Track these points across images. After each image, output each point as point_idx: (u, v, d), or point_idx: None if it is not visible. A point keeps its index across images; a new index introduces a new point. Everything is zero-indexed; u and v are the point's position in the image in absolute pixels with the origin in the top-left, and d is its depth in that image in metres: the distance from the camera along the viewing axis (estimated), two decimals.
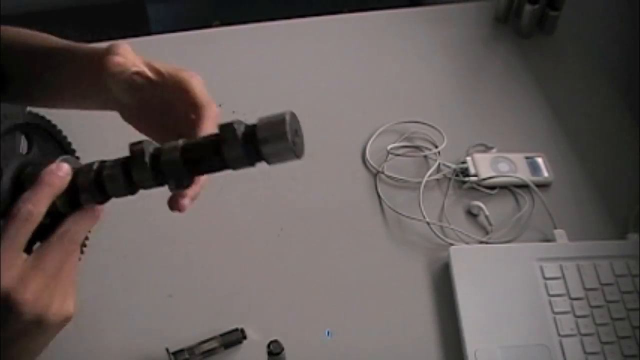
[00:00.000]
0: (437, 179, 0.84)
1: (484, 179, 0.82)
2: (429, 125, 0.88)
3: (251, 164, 0.48)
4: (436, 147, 0.87)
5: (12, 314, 0.44)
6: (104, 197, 0.50)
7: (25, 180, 0.50)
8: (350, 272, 0.76)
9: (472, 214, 0.81)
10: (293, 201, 0.82)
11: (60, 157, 0.49)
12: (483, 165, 0.83)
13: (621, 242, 0.77)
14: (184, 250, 0.77)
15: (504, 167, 0.84)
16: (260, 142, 0.47)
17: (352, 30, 1.05)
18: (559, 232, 0.78)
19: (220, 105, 0.92)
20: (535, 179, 0.83)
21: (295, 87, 0.96)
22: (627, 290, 0.72)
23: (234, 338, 0.69)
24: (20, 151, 0.53)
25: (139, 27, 1.55)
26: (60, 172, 0.49)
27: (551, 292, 0.72)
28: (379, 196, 0.83)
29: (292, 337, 0.67)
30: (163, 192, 0.53)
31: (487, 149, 0.87)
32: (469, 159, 0.84)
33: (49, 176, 0.48)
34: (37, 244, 0.48)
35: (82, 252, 0.54)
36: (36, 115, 0.55)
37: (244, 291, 0.74)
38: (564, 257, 0.74)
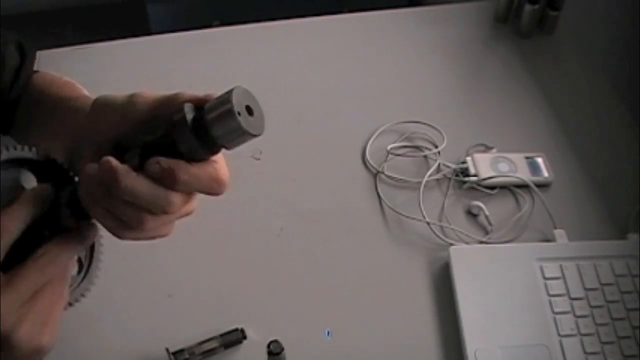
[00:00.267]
0: (437, 179, 0.84)
1: (484, 179, 0.82)
2: (429, 125, 0.88)
3: (210, 150, 0.45)
4: (436, 147, 0.87)
5: None
6: (80, 215, 0.48)
7: None
8: (350, 272, 0.76)
9: (472, 214, 0.81)
10: (293, 201, 0.82)
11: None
12: (483, 165, 0.83)
13: (621, 242, 0.77)
14: (184, 250, 0.77)
15: (504, 167, 0.84)
16: (209, 125, 0.44)
17: (352, 30, 1.05)
18: (559, 232, 0.78)
19: None
20: (535, 179, 0.83)
21: (295, 87, 0.96)
22: (627, 290, 0.72)
23: (234, 338, 0.69)
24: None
25: (139, 27, 1.56)
26: (44, 192, 0.48)
27: (551, 292, 0.72)
28: (379, 196, 0.83)
29: (292, 337, 0.67)
30: None
31: (487, 149, 0.87)
32: (469, 159, 0.84)
33: (32, 196, 0.48)
34: None
35: (83, 295, 0.53)
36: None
37: (244, 291, 0.74)
38: (564, 257, 0.74)
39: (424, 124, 0.89)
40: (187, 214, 0.51)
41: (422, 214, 0.79)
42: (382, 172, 0.84)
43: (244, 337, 0.69)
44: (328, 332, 0.71)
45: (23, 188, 0.50)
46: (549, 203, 0.80)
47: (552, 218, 0.79)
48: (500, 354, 0.67)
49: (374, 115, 0.91)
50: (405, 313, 0.73)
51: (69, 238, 0.48)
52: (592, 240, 0.77)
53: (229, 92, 0.43)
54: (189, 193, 0.48)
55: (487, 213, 0.80)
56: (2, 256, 0.45)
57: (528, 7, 1.01)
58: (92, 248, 0.56)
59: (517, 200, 0.83)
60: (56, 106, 0.62)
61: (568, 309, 0.71)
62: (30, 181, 0.51)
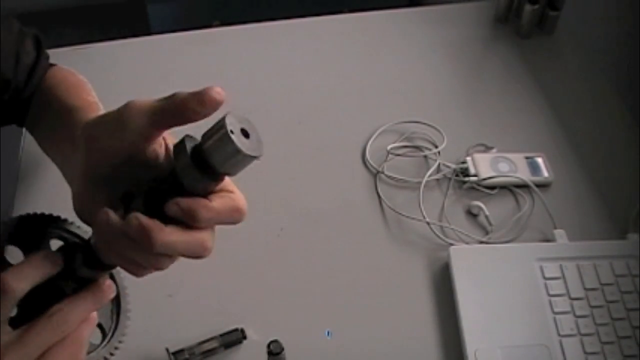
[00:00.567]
0: (437, 179, 0.84)
1: (484, 179, 0.82)
2: (429, 125, 0.88)
3: (213, 179, 0.45)
4: (436, 147, 0.87)
5: None
6: (96, 265, 0.48)
7: None
8: (350, 272, 0.76)
9: (472, 214, 0.81)
10: (293, 201, 0.82)
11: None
12: (483, 165, 0.83)
13: (621, 242, 0.77)
14: None
15: (504, 167, 0.84)
16: (208, 153, 0.43)
17: (352, 30, 1.05)
18: (559, 232, 0.78)
19: None
20: (535, 179, 0.83)
21: (296, 87, 0.96)
22: (627, 290, 0.72)
23: (234, 338, 0.69)
24: None
25: (139, 27, 1.56)
26: (58, 259, 0.48)
27: (551, 292, 0.72)
28: (379, 196, 0.83)
29: (292, 337, 0.67)
30: None
31: (487, 149, 0.87)
32: (469, 159, 0.84)
33: (42, 261, 0.47)
34: None
35: (112, 353, 0.52)
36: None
37: (244, 291, 0.74)
38: (564, 257, 0.74)
39: (424, 124, 0.89)
40: None
41: (422, 214, 0.79)
42: (382, 172, 0.84)
43: (244, 337, 0.69)
44: (328, 332, 0.71)
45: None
46: (549, 203, 0.80)
47: (552, 218, 0.79)
48: (500, 354, 0.67)
49: (374, 115, 0.91)
50: (405, 313, 0.73)
51: (84, 296, 0.48)
52: (592, 240, 0.77)
53: (223, 118, 0.43)
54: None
55: (487, 213, 0.80)
56: (4, 316, 0.44)
57: (528, 7, 1.01)
58: (118, 306, 0.56)
59: (517, 200, 0.83)
60: (60, 114, 0.61)
61: (568, 309, 0.71)
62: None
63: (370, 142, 0.88)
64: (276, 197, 0.83)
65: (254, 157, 0.43)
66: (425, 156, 0.87)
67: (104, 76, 0.94)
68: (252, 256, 0.77)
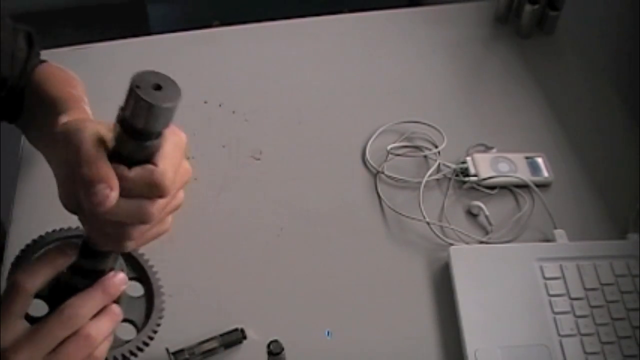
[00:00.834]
0: (437, 179, 0.84)
1: (484, 179, 0.82)
2: (429, 125, 0.88)
3: (143, 140, 0.45)
4: (436, 147, 0.87)
5: None
6: (90, 253, 0.50)
7: None
8: (350, 272, 0.76)
9: (472, 214, 0.81)
10: (293, 201, 0.82)
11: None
12: (483, 165, 0.83)
13: (621, 242, 0.77)
14: (184, 251, 0.77)
15: (504, 167, 0.84)
16: (129, 119, 0.44)
17: (352, 30, 1.05)
18: (559, 232, 0.78)
19: (220, 106, 0.93)
20: (535, 179, 0.83)
21: (295, 87, 0.96)
22: (627, 290, 0.72)
23: (234, 338, 0.69)
24: None
25: (139, 27, 1.55)
26: (68, 250, 0.50)
27: (551, 292, 0.72)
28: (379, 196, 0.83)
29: (292, 337, 0.67)
30: None
31: (487, 149, 0.87)
32: (469, 159, 0.84)
33: (53, 254, 0.49)
34: None
35: (140, 349, 0.53)
36: None
37: (244, 291, 0.74)
38: (564, 257, 0.74)
39: (424, 124, 0.89)
40: (176, 209, 0.51)
41: (422, 214, 0.79)
42: (382, 172, 0.84)
43: (244, 337, 0.69)
44: (328, 332, 0.71)
45: None
46: (549, 203, 0.80)
47: (552, 218, 0.79)
48: (500, 354, 0.67)
49: (374, 115, 0.91)
50: (405, 313, 0.73)
51: (93, 290, 0.49)
52: (592, 240, 0.77)
53: (131, 80, 0.44)
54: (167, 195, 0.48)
55: (487, 213, 0.80)
56: (19, 312, 0.47)
57: (528, 7, 1.01)
58: (151, 304, 0.57)
59: (517, 200, 0.83)
60: (44, 107, 0.63)
61: (568, 309, 0.71)
62: None
63: (370, 142, 0.88)
64: (276, 197, 0.83)
65: (169, 108, 0.44)
66: (425, 156, 0.87)
67: (104, 76, 0.94)
68: (252, 256, 0.77)
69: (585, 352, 0.68)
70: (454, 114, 0.92)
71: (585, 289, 0.72)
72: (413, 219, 0.79)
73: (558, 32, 1.04)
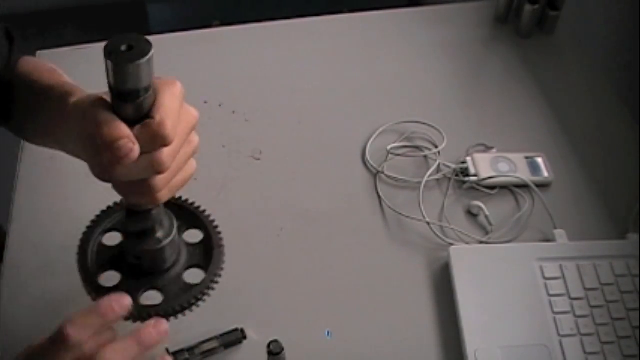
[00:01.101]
0: (437, 179, 0.84)
1: (484, 179, 0.82)
2: (429, 125, 0.88)
3: (132, 100, 0.49)
4: (436, 147, 0.87)
5: None
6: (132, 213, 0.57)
7: None
8: (350, 272, 0.76)
9: (472, 214, 0.81)
10: (293, 201, 0.82)
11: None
12: (483, 165, 0.83)
13: (621, 242, 0.77)
14: None
15: (504, 167, 0.84)
16: (114, 82, 0.48)
17: (352, 30, 1.05)
18: (559, 232, 0.78)
19: (220, 106, 0.93)
20: (535, 179, 0.83)
21: (295, 87, 0.96)
22: (627, 290, 0.72)
23: (234, 338, 0.69)
24: None
25: (139, 27, 1.56)
26: (121, 302, 0.51)
27: (551, 292, 0.72)
28: (379, 196, 0.83)
29: (292, 337, 0.67)
30: None
31: (487, 149, 0.87)
32: (469, 159, 0.84)
33: (105, 307, 0.50)
34: None
35: None
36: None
37: (244, 291, 0.74)
38: (564, 257, 0.74)
39: (424, 124, 0.89)
40: (194, 153, 0.56)
41: (422, 214, 0.79)
42: (382, 172, 0.84)
43: (244, 337, 0.69)
44: (328, 332, 0.71)
45: None
46: (549, 203, 0.80)
47: (552, 218, 0.79)
48: (500, 354, 0.67)
49: (374, 115, 0.91)
50: (405, 313, 0.73)
51: (128, 341, 0.52)
52: (592, 240, 0.77)
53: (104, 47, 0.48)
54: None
55: (487, 213, 0.80)
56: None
57: (528, 7, 1.01)
58: (211, 246, 0.64)
59: (517, 201, 0.83)
60: (43, 95, 0.63)
61: (568, 309, 0.71)
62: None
63: (370, 142, 0.88)
64: (276, 197, 0.83)
65: (144, 63, 0.47)
66: (425, 156, 0.87)
67: (104, 76, 0.94)
68: (252, 256, 0.77)
69: (585, 352, 0.68)
70: (454, 114, 0.92)
71: (585, 289, 0.72)
72: (413, 219, 0.79)
73: (558, 32, 1.04)
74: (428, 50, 1.02)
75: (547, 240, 0.78)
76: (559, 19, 1.03)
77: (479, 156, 0.84)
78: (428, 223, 0.79)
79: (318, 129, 0.91)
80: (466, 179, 0.83)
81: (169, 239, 0.59)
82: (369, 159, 0.86)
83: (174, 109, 0.51)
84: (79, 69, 0.88)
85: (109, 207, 0.64)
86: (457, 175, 0.84)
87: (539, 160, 0.85)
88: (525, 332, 0.69)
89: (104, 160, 0.49)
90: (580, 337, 0.69)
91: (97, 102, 0.51)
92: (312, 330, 0.71)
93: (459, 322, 0.70)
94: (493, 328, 0.69)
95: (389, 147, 0.86)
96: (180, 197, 0.64)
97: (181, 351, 0.67)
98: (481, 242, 0.78)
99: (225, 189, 0.83)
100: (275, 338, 0.64)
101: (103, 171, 0.51)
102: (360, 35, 1.04)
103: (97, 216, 0.63)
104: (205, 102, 0.92)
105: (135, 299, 0.59)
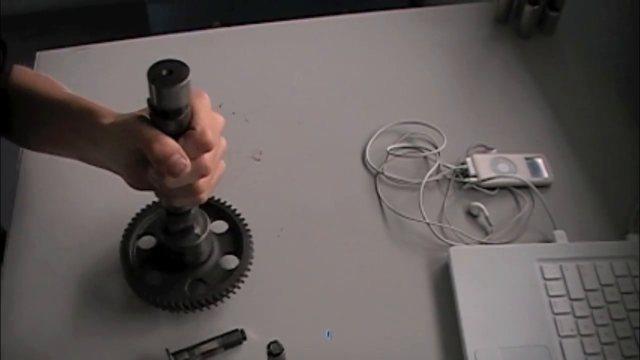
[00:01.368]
0: (437, 180, 0.84)
1: (484, 180, 0.82)
2: (429, 126, 0.88)
3: (172, 118, 0.56)
4: (436, 147, 0.87)
5: None
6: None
7: None
8: (350, 272, 0.76)
9: (472, 215, 0.81)
10: (293, 201, 0.82)
11: None
12: (483, 166, 0.83)
13: (621, 243, 0.77)
14: None
15: (504, 167, 0.84)
16: (156, 104, 0.55)
17: (352, 30, 1.05)
18: (558, 233, 0.78)
19: (220, 106, 0.93)
20: (535, 179, 0.83)
21: (295, 87, 0.96)
22: (627, 291, 0.72)
23: (234, 339, 0.69)
24: None
25: (139, 27, 1.56)
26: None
27: (551, 293, 0.72)
28: (378, 197, 0.83)
29: (292, 337, 0.67)
30: None
31: (487, 149, 0.87)
32: (468, 159, 0.84)
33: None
34: None
35: None
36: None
37: (244, 291, 0.74)
38: (564, 257, 0.74)
39: (424, 124, 0.89)
40: (224, 152, 0.62)
41: (422, 214, 0.79)
42: (382, 173, 0.84)
43: (244, 338, 0.69)
44: (328, 333, 0.71)
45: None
46: (549, 203, 0.80)
47: (552, 218, 0.79)
48: (500, 354, 0.67)
49: (373, 116, 0.91)
50: (405, 313, 0.73)
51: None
52: (592, 241, 0.77)
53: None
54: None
55: (487, 214, 0.80)
56: None
57: (528, 8, 1.01)
58: (239, 235, 0.73)
59: (517, 201, 0.83)
60: (53, 108, 0.64)
61: (568, 309, 0.71)
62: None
63: (370, 142, 0.88)
64: (276, 197, 0.83)
65: (184, 85, 0.53)
66: (425, 157, 0.87)
67: (104, 77, 0.94)
68: (252, 256, 0.77)
69: (585, 353, 0.68)
70: (454, 115, 0.92)
71: (585, 290, 0.72)
72: (413, 219, 0.79)
73: (558, 32, 1.04)
74: (428, 51, 1.02)
75: (547, 241, 0.78)
76: (559, 20, 1.03)
77: (478, 157, 0.84)
78: (428, 224, 0.79)
79: (318, 129, 0.91)
80: (466, 179, 0.83)
81: (205, 233, 0.66)
82: (368, 159, 0.86)
83: (209, 117, 0.58)
84: (79, 70, 0.88)
85: (137, 214, 0.72)
86: (457, 176, 0.84)
87: (539, 160, 0.85)
88: (525, 332, 0.69)
89: (152, 173, 0.56)
90: (580, 337, 0.69)
91: (141, 119, 0.57)
92: (312, 331, 0.71)
93: (459, 323, 0.70)
94: (493, 329, 0.69)
95: (388, 148, 0.86)
96: None
97: (181, 351, 0.67)
98: (481, 243, 0.78)
99: (225, 189, 0.83)
100: (275, 339, 0.64)
101: (152, 181, 0.58)
102: (361, 36, 1.04)
103: (130, 224, 0.71)
104: None
105: (182, 292, 0.67)
